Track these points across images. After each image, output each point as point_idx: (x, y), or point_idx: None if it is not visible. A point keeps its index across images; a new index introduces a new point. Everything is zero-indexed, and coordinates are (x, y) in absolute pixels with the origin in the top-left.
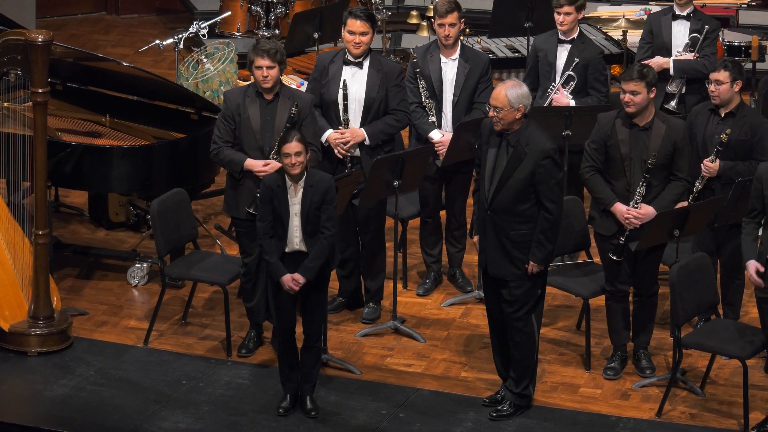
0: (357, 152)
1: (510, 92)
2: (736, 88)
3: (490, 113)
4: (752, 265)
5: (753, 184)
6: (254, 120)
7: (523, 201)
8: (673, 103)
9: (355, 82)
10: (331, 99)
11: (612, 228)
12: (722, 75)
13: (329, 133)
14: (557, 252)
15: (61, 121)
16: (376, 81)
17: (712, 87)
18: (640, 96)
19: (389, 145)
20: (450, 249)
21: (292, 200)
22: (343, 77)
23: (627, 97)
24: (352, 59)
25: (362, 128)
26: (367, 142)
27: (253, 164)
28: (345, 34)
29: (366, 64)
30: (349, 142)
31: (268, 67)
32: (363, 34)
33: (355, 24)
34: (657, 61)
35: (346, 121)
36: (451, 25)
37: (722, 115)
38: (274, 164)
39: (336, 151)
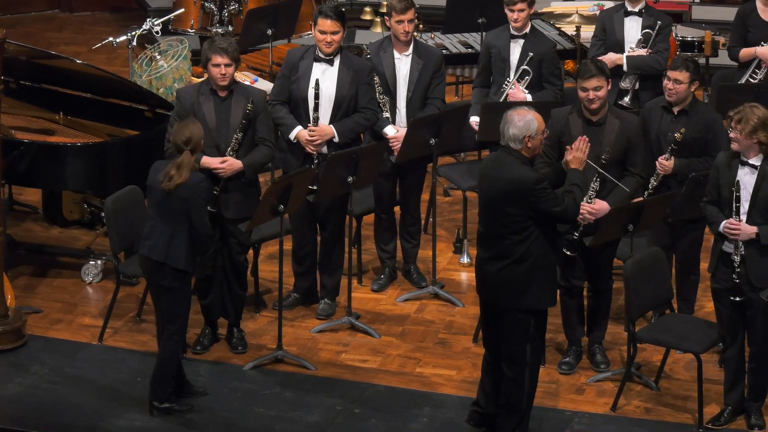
0: (325, 149)
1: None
2: (693, 88)
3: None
4: (724, 224)
5: (710, 173)
6: (209, 118)
7: None
8: (626, 99)
9: (325, 79)
10: (301, 96)
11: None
12: (682, 75)
13: (299, 131)
14: None
15: (15, 119)
16: (347, 79)
17: (669, 84)
18: (603, 90)
19: (357, 143)
20: (405, 245)
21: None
22: (314, 75)
23: (591, 94)
24: (323, 56)
25: (331, 125)
26: (336, 140)
27: (210, 162)
28: (316, 34)
29: (337, 61)
30: (318, 139)
31: (226, 65)
32: (334, 33)
33: (325, 23)
34: (610, 58)
35: (316, 119)
36: (410, 21)
37: (675, 113)
38: (231, 161)
39: (306, 148)
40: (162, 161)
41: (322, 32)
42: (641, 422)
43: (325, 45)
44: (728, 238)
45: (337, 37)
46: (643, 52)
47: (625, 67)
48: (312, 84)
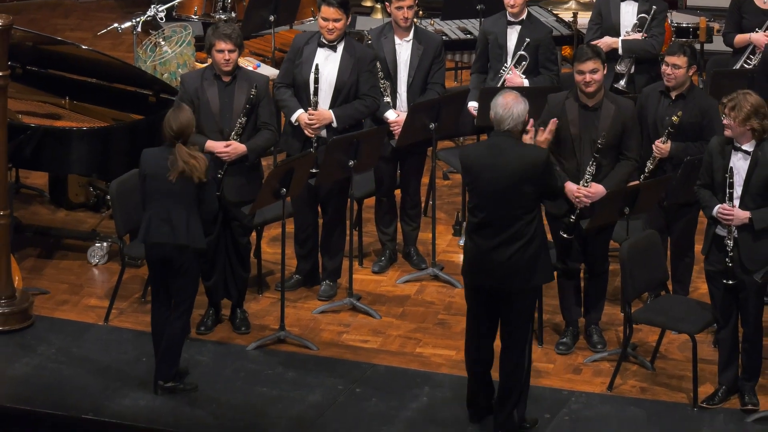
0: (324, 133)
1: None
2: (691, 72)
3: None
4: (717, 209)
5: (704, 157)
6: (213, 103)
7: None
8: (622, 83)
9: (328, 64)
10: (303, 80)
11: (563, 207)
12: (681, 60)
13: (299, 114)
14: None
15: (22, 103)
16: (349, 65)
17: (668, 70)
18: (599, 73)
19: (357, 128)
20: (405, 227)
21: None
22: (316, 60)
23: (588, 77)
24: (326, 42)
25: (331, 110)
26: (334, 125)
27: (214, 146)
28: (319, 20)
29: (340, 48)
30: (316, 123)
31: (230, 51)
32: (336, 20)
33: (328, 11)
34: (606, 41)
35: (315, 103)
36: (410, 7)
37: (673, 98)
38: (235, 145)
39: (305, 131)
40: (151, 150)
41: (325, 19)
42: (637, 401)
43: (327, 32)
44: (721, 223)
45: (339, 25)
46: (638, 36)
47: (620, 51)
48: (313, 69)
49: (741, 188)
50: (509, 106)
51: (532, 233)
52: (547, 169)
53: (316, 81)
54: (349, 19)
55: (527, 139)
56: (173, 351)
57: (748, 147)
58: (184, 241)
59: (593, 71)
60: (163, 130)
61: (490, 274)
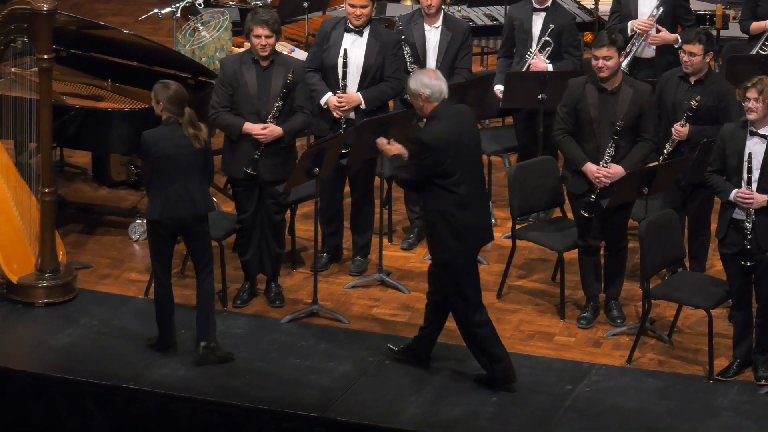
0: (352, 115)
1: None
2: (708, 59)
3: None
4: (735, 193)
5: (716, 143)
6: (251, 86)
7: None
8: (623, 63)
9: (354, 48)
10: (331, 64)
11: (583, 187)
12: (696, 48)
13: (329, 97)
14: (532, 209)
15: (66, 85)
16: (375, 49)
17: (685, 57)
18: (612, 60)
19: (382, 110)
20: None
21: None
22: (343, 44)
23: (600, 63)
24: (353, 27)
25: (359, 93)
26: (362, 107)
27: (252, 128)
28: (347, 6)
29: (366, 32)
30: (346, 106)
31: (267, 37)
32: (363, 7)
33: None
34: (664, 37)
35: (344, 86)
36: None
37: (692, 83)
38: (272, 128)
39: (334, 113)
40: (153, 131)
41: (352, 6)
42: (655, 374)
43: (354, 18)
44: (740, 206)
45: (366, 11)
46: (650, 22)
47: (679, 44)
48: (341, 53)
49: (758, 172)
50: (436, 76)
51: None
52: None
53: (345, 65)
54: (375, 6)
55: (393, 148)
56: (212, 309)
57: (765, 131)
58: (203, 211)
59: (606, 58)
60: (168, 107)
61: (489, 230)
